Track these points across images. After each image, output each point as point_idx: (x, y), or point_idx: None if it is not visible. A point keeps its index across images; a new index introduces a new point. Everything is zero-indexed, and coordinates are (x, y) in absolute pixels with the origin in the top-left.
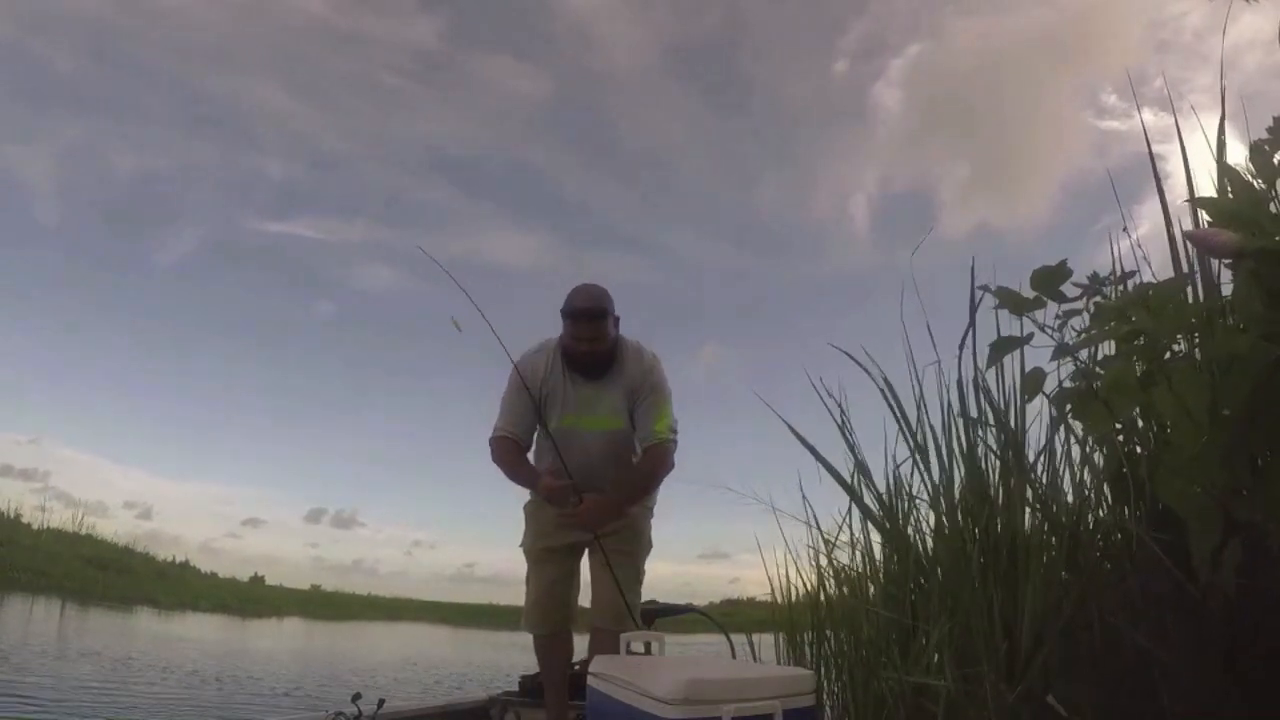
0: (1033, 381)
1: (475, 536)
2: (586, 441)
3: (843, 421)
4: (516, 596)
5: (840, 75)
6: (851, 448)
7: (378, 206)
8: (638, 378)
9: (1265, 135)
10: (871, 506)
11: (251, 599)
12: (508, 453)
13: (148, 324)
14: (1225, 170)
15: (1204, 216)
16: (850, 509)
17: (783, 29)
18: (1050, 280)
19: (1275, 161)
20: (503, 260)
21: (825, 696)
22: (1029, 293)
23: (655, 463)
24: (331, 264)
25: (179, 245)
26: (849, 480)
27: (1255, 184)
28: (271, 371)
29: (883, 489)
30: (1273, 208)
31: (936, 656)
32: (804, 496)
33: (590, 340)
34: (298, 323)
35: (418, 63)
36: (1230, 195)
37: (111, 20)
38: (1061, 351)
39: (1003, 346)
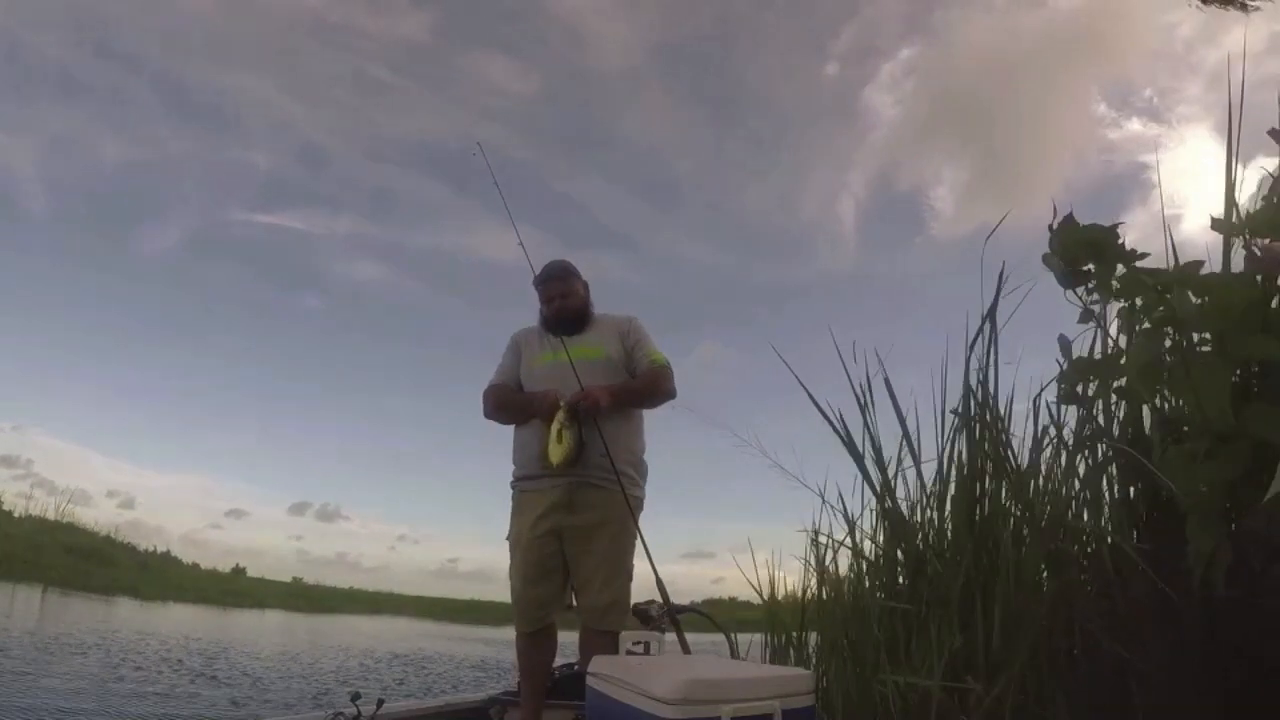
0: (1064, 348)
1: (459, 532)
2: (565, 372)
3: (865, 405)
4: (499, 593)
5: (831, 78)
6: (869, 430)
7: (365, 200)
8: (621, 328)
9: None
10: (881, 495)
11: (233, 591)
12: (498, 392)
13: (132, 313)
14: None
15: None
16: (860, 487)
17: (774, 31)
18: (1104, 238)
19: None
20: (492, 257)
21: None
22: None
23: (654, 376)
24: (318, 257)
25: (165, 236)
26: (864, 463)
27: None
28: (257, 363)
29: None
30: None
31: (924, 658)
32: (826, 489)
33: (561, 297)
34: (283, 315)
35: (407, 57)
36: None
37: (99, 10)
38: (1087, 315)
39: (1068, 278)
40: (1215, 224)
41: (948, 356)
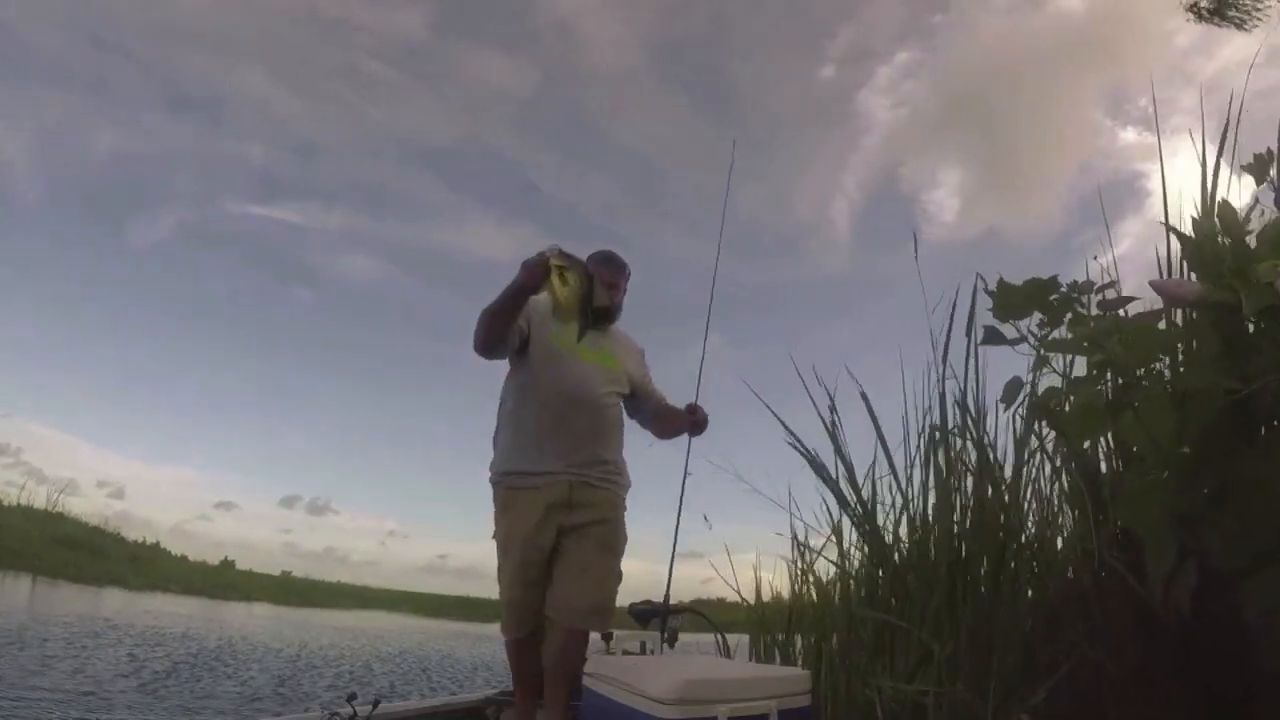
0: (1011, 389)
1: (450, 528)
2: (583, 371)
3: (831, 423)
4: (489, 589)
5: (827, 81)
6: (838, 449)
7: (358, 195)
8: (639, 353)
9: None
10: (853, 506)
11: (221, 583)
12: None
13: (124, 305)
14: (1196, 226)
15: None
16: (840, 518)
17: (769, 32)
18: (1041, 291)
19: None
20: (485, 255)
21: None
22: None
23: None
24: (310, 251)
25: (158, 227)
26: (835, 481)
27: (1219, 239)
28: (248, 356)
29: (866, 494)
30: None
31: (910, 664)
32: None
33: (609, 287)
34: (275, 308)
35: (403, 53)
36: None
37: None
38: (1041, 362)
39: (994, 336)
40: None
41: (930, 367)
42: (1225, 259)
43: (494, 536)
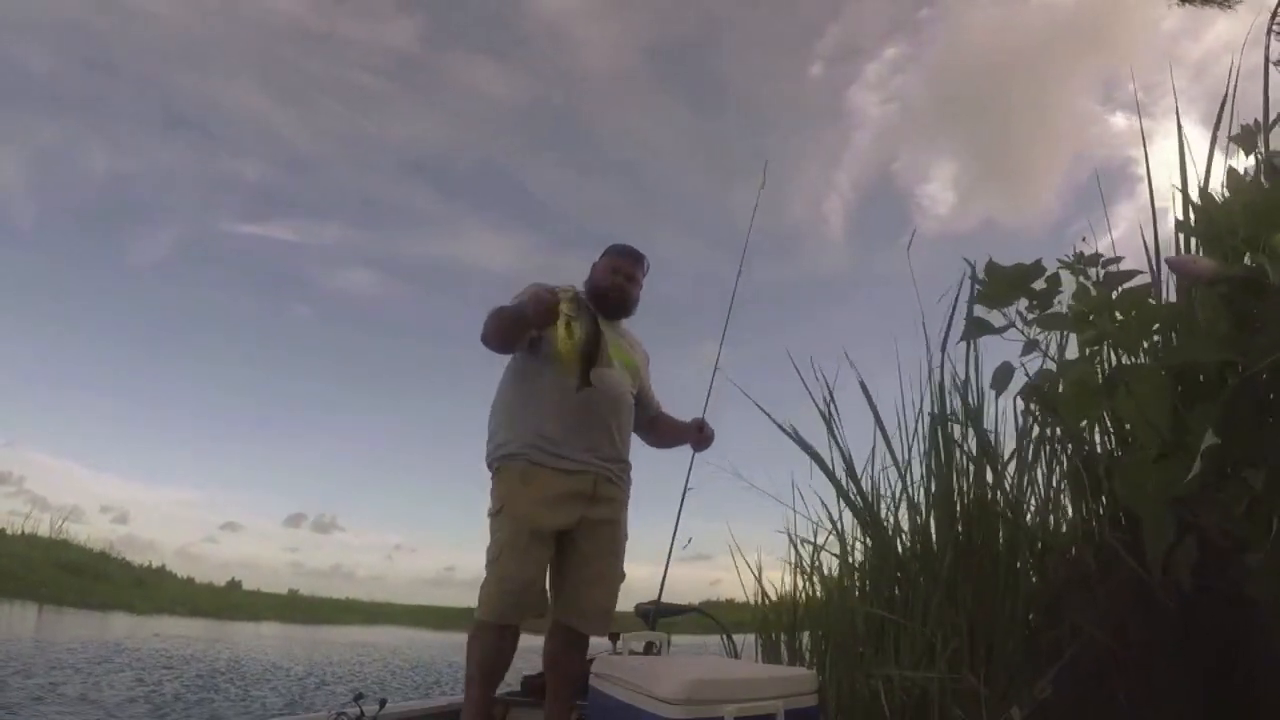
0: (1002, 375)
1: (456, 539)
2: (606, 372)
3: (828, 414)
4: None
5: (816, 79)
6: (837, 441)
7: (354, 209)
8: (643, 357)
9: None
10: (855, 501)
11: (228, 604)
12: (497, 310)
13: (122, 327)
14: (1205, 198)
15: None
16: (841, 510)
17: (759, 32)
18: (1024, 277)
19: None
20: (481, 263)
21: None
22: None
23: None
24: (307, 266)
25: (155, 247)
26: (835, 475)
27: (1228, 212)
28: (248, 375)
29: (866, 488)
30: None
31: (913, 654)
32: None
33: (628, 279)
34: (274, 325)
35: (394, 64)
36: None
37: (86, 21)
38: (1030, 346)
39: (979, 327)
40: (1180, 226)
41: (928, 356)
42: (1237, 229)
43: (492, 513)
